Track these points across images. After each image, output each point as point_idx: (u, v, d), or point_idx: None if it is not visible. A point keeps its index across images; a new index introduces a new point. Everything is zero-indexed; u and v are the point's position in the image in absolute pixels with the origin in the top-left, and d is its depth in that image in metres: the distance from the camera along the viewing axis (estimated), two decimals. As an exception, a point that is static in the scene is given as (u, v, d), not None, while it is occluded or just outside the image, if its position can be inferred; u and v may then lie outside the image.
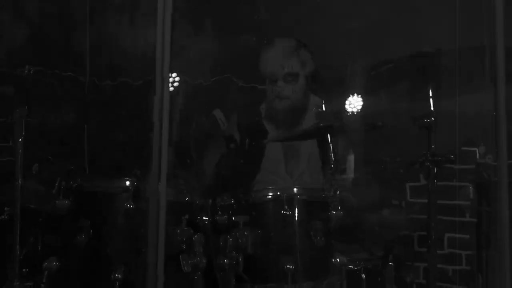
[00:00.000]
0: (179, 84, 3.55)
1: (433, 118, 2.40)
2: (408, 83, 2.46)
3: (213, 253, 2.30)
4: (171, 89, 3.41)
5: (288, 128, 3.33)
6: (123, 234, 2.34)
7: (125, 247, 2.33)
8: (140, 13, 3.65)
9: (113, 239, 2.34)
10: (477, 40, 2.15)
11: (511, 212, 1.46)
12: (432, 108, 2.41)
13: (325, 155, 2.70)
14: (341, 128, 2.57)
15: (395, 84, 2.48)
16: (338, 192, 2.49)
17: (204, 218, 2.44)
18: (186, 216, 2.37)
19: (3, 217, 2.68)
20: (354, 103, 3.30)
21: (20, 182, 2.45)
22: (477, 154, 3.61)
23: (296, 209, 2.43)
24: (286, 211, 2.40)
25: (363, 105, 2.63)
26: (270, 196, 2.47)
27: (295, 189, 2.46)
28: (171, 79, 3.61)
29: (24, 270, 2.44)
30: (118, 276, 2.23)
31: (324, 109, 2.52)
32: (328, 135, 2.48)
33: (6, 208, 2.69)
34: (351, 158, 2.52)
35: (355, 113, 3.13)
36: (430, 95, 2.39)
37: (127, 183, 2.36)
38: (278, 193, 2.45)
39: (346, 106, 3.29)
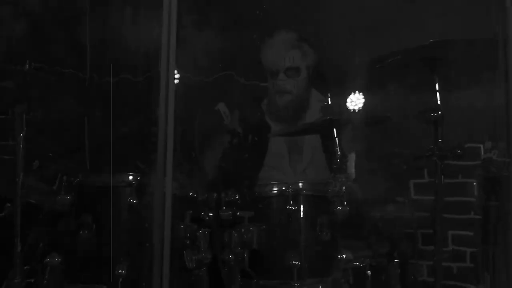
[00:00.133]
0: (179, 80, 3.52)
1: (440, 112, 2.36)
2: (415, 75, 2.43)
3: (218, 249, 2.27)
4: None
5: (290, 123, 3.30)
6: (127, 229, 2.31)
7: (128, 242, 2.30)
8: (142, 8, 3.62)
9: (116, 234, 2.30)
10: (488, 32, 2.11)
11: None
12: (439, 102, 2.37)
13: (330, 150, 2.68)
14: (346, 122, 2.54)
15: (401, 77, 2.45)
16: (343, 188, 2.46)
17: (208, 213, 2.40)
18: (190, 211, 2.34)
19: (3, 213, 2.66)
20: (359, 97, 3.27)
21: (21, 178, 2.42)
22: (482, 150, 3.58)
23: (302, 204, 2.40)
24: (292, 206, 2.36)
25: (368, 99, 2.59)
26: (275, 191, 2.43)
27: (300, 184, 2.43)
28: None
29: (25, 267, 2.41)
30: (121, 272, 2.20)
31: (329, 102, 2.49)
32: (334, 129, 2.44)
33: (7, 205, 2.66)
34: (352, 156, 2.49)
35: (361, 107, 3.10)
36: (437, 88, 2.36)
37: (130, 177, 2.32)
38: (283, 187, 2.42)
39: (351, 100, 3.27)
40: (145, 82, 3.90)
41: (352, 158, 2.81)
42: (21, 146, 2.46)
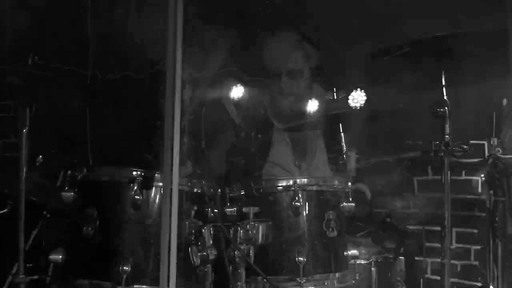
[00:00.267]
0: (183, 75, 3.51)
1: (446, 107, 2.34)
2: (423, 68, 2.40)
3: (223, 245, 2.25)
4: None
5: (293, 120, 3.29)
6: (131, 225, 2.28)
7: (132, 238, 2.27)
8: (146, 4, 3.61)
9: (120, 231, 2.28)
10: (498, 23, 2.09)
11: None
12: (445, 97, 2.35)
13: (335, 145, 2.66)
14: (352, 117, 2.52)
15: (409, 70, 2.43)
16: (349, 184, 2.44)
17: (213, 209, 2.38)
18: (195, 207, 2.32)
19: (6, 210, 2.65)
20: (360, 94, 3.26)
21: (24, 173, 2.40)
22: (486, 147, 3.57)
23: (308, 200, 2.38)
24: (297, 201, 2.34)
25: (375, 92, 2.58)
26: (281, 187, 2.41)
27: (306, 179, 2.41)
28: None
29: (27, 265, 2.39)
30: (125, 269, 2.18)
31: (335, 97, 2.48)
32: (340, 124, 2.42)
33: (9, 201, 2.65)
34: (353, 154, 2.48)
35: (366, 101, 3.08)
36: (443, 83, 2.34)
37: (134, 173, 2.30)
38: (289, 183, 2.40)
39: (353, 97, 3.25)
40: (148, 78, 3.89)
41: (353, 155, 2.80)
42: (24, 141, 2.44)
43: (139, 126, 3.39)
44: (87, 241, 2.25)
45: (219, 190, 2.43)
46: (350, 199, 2.43)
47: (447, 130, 2.34)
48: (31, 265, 2.42)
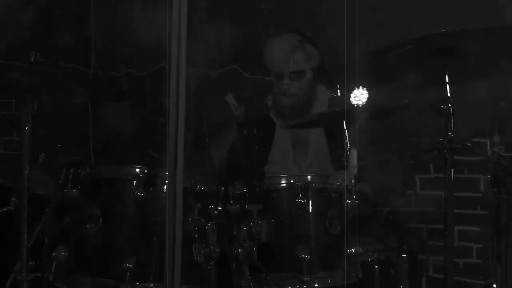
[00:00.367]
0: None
1: (450, 105, 2.33)
2: (426, 66, 2.39)
3: (226, 242, 2.25)
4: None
5: (295, 120, 3.28)
6: (134, 222, 2.28)
7: (136, 235, 2.27)
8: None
9: (123, 228, 2.28)
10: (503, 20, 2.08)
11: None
12: (449, 94, 2.34)
13: (337, 143, 2.66)
14: (355, 114, 2.51)
15: (412, 68, 2.42)
16: (353, 181, 2.44)
17: (216, 206, 2.38)
18: (198, 205, 2.32)
19: (9, 207, 2.64)
20: (363, 92, 3.26)
21: (27, 170, 2.40)
22: (489, 145, 3.56)
23: (311, 197, 2.38)
24: (301, 199, 2.34)
25: (378, 90, 2.57)
26: (284, 184, 2.41)
27: (309, 177, 2.41)
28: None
29: (30, 262, 2.39)
30: (129, 266, 2.17)
31: (339, 94, 2.47)
32: (344, 122, 2.42)
33: (12, 199, 2.64)
34: (356, 151, 2.46)
35: (364, 101, 3.07)
36: (447, 80, 2.33)
37: (137, 170, 2.30)
38: (292, 180, 2.39)
39: (355, 95, 3.25)
40: (150, 76, 3.89)
41: (356, 153, 2.79)
42: (27, 138, 2.43)
43: (141, 123, 3.39)
44: (90, 238, 2.26)
45: (222, 188, 2.43)
46: (354, 196, 2.42)
47: (451, 127, 2.33)
48: (33, 262, 2.41)
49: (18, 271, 2.36)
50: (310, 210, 2.38)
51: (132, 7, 3.58)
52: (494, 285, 2.65)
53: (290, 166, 3.29)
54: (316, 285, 2.31)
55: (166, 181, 2.27)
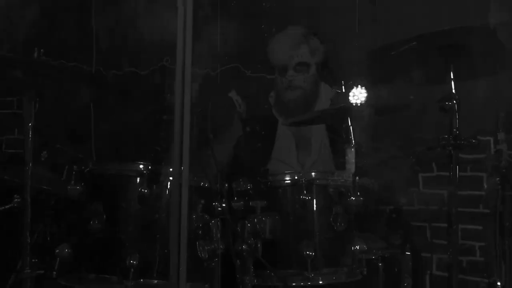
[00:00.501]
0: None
1: (455, 102, 2.32)
2: (431, 63, 2.38)
3: (231, 239, 2.24)
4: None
5: (298, 116, 3.27)
6: (138, 219, 2.27)
7: (139, 232, 2.26)
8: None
9: (127, 225, 2.27)
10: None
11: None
12: (453, 91, 2.33)
13: (339, 141, 2.64)
14: (359, 111, 2.51)
15: (417, 65, 2.41)
16: (357, 178, 2.43)
17: (220, 203, 2.37)
18: (202, 201, 2.31)
19: (12, 204, 2.64)
20: (361, 91, 3.26)
21: (30, 167, 2.39)
22: (492, 142, 3.55)
23: (315, 194, 2.37)
24: (305, 195, 2.33)
25: (381, 88, 2.56)
26: (288, 181, 2.40)
27: (313, 173, 2.40)
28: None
29: (33, 260, 2.38)
30: (133, 262, 2.17)
31: (343, 90, 2.46)
32: (348, 118, 2.41)
33: (15, 196, 2.64)
34: (352, 152, 2.46)
35: (369, 97, 3.07)
36: (452, 76, 2.32)
37: (141, 166, 2.29)
38: (296, 177, 2.38)
39: (353, 94, 3.25)
40: (152, 74, 3.89)
41: (360, 150, 2.78)
42: (30, 136, 2.43)
43: (144, 120, 3.38)
44: (93, 235, 2.25)
45: (226, 184, 2.42)
46: (358, 193, 2.41)
47: (455, 124, 2.32)
48: (36, 260, 2.40)
49: (22, 269, 2.36)
50: (314, 207, 2.36)
51: (135, 4, 3.57)
52: (499, 283, 2.64)
53: (293, 164, 3.28)
54: (321, 281, 2.30)
55: (170, 178, 2.26)
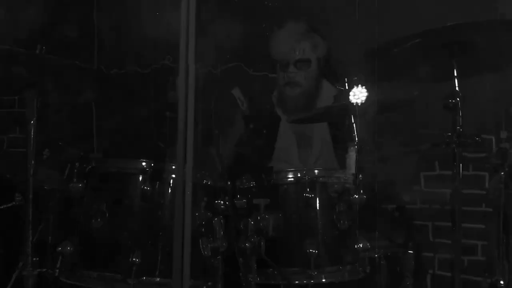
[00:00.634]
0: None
1: (458, 99, 2.31)
2: (435, 60, 2.37)
3: (234, 237, 2.23)
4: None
5: (300, 113, 3.27)
6: (140, 216, 2.27)
7: (142, 230, 2.26)
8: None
9: (129, 222, 2.26)
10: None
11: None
12: (457, 88, 2.32)
13: (342, 138, 2.64)
14: (361, 109, 2.50)
15: (420, 62, 2.40)
16: (360, 176, 2.42)
17: (223, 201, 2.37)
18: (205, 199, 2.30)
19: (14, 203, 2.63)
20: (362, 90, 3.25)
21: (32, 165, 2.39)
22: (494, 140, 3.54)
23: (318, 192, 2.36)
24: (308, 193, 2.33)
25: (384, 85, 2.55)
26: (291, 178, 2.39)
27: (316, 171, 2.39)
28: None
29: (35, 258, 2.37)
30: (135, 260, 2.16)
31: (346, 87, 2.45)
32: (352, 115, 2.40)
33: (17, 194, 2.63)
34: (355, 149, 2.45)
35: (369, 96, 3.06)
36: (455, 74, 2.31)
37: (144, 164, 2.28)
38: (299, 174, 2.38)
39: (354, 93, 3.24)
40: (153, 73, 3.88)
41: (362, 148, 2.77)
42: (33, 133, 2.42)
43: (147, 118, 3.37)
44: (96, 232, 2.24)
45: (229, 182, 2.42)
46: (361, 191, 2.41)
47: (459, 121, 2.31)
48: (38, 258, 2.40)
49: (24, 267, 2.35)
50: (318, 205, 2.36)
51: (138, 2, 3.57)
52: (502, 282, 2.63)
53: (294, 163, 3.27)
54: (324, 279, 2.29)
55: (173, 175, 2.25)
